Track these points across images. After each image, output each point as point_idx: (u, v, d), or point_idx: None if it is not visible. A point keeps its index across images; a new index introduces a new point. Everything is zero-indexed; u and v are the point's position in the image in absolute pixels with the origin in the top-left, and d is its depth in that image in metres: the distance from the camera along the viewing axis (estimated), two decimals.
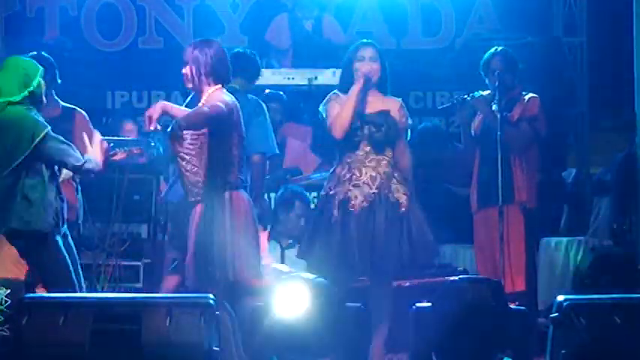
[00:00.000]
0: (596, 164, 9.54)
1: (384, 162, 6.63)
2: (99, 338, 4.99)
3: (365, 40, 6.86)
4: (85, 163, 6.12)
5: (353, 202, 6.57)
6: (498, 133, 7.20)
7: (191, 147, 6.05)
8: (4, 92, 6.15)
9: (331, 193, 6.62)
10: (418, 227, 6.57)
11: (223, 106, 5.98)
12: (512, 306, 5.70)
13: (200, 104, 6.10)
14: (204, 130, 6.01)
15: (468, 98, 7.43)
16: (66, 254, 6.27)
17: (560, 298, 5.28)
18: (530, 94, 7.49)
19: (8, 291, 6.67)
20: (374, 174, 6.61)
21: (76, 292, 6.24)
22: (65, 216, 6.34)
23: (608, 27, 9.35)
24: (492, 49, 7.53)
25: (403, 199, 6.57)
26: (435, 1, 10.05)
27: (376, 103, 6.67)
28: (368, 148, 6.62)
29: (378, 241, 6.52)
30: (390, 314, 6.62)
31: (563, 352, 5.15)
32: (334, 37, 9.55)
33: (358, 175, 6.61)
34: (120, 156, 6.96)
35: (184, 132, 6.03)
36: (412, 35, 10.06)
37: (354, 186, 6.59)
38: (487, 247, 7.38)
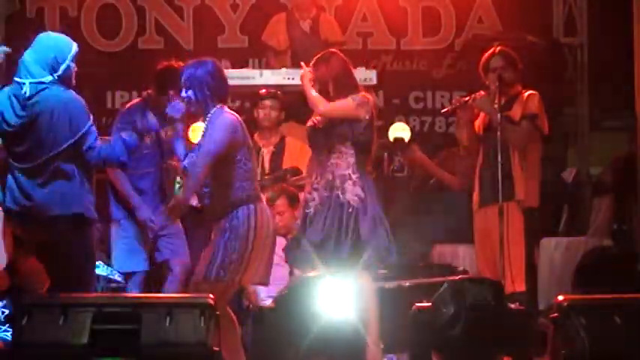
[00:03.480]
0: (596, 164, 9.53)
1: None
2: (99, 338, 5.00)
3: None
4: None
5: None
6: (498, 132, 7.20)
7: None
8: (35, 73, 6.04)
9: None
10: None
11: (223, 134, 6.03)
12: (512, 306, 5.71)
13: (203, 125, 6.16)
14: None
15: (470, 101, 7.42)
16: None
17: (560, 298, 5.28)
18: (529, 91, 7.48)
19: (4, 302, 6.66)
20: None
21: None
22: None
23: (608, 27, 9.34)
24: (492, 49, 7.53)
25: None
26: (435, 1, 10.04)
27: None
28: None
29: None
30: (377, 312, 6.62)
31: (563, 352, 5.15)
32: (331, 36, 9.53)
33: None
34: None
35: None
36: (412, 35, 10.05)
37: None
38: (487, 247, 7.38)
